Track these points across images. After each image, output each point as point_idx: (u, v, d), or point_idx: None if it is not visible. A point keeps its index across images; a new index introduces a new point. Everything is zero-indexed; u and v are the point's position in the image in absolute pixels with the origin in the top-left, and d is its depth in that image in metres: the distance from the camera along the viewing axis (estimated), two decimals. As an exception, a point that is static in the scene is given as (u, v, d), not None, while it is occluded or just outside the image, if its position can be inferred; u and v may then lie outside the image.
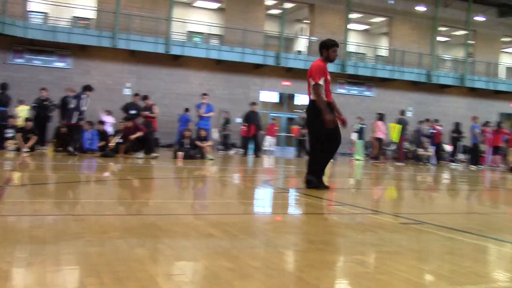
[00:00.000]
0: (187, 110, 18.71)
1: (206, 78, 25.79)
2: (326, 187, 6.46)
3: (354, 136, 20.18)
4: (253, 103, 18.05)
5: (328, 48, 6.58)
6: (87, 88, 13.04)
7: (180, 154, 13.24)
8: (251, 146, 18.26)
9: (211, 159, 13.65)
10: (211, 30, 27.70)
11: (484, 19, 30.95)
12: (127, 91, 23.31)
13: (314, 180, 6.39)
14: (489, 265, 2.82)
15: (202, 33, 28.78)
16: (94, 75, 23.65)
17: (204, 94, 16.03)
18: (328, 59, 6.57)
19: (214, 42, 27.65)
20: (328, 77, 6.47)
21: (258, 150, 17.94)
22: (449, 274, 2.49)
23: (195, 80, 25.55)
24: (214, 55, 24.84)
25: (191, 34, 28.52)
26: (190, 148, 13.69)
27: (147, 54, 23.89)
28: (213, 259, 2.52)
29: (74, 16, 25.94)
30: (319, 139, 6.44)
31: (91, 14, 25.15)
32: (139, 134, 13.12)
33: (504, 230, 4.20)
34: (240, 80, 26.52)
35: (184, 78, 25.38)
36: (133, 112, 14.15)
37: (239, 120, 24.67)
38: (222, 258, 2.51)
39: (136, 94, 15.25)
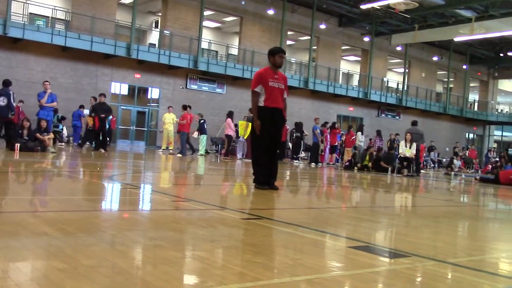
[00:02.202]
0: (81, 106, 21.15)
1: (49, 65, 24.13)
2: (271, 188, 6.70)
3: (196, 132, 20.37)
4: (102, 94, 17.33)
5: (274, 55, 6.91)
6: (9, 83, 13.52)
7: (17, 145, 12.23)
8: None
9: (53, 152, 12.84)
10: (56, 14, 25.95)
11: (325, 26, 33.33)
12: (-44, 74, 20.89)
13: (255, 180, 6.85)
14: (318, 257, 3.04)
15: (46, 16, 26.81)
16: None
17: (46, 82, 14.96)
18: (275, 65, 6.90)
19: (60, 27, 25.93)
20: (273, 83, 6.76)
21: (104, 144, 17.26)
22: (281, 266, 2.64)
23: (37, 66, 23.77)
24: (59, 41, 23.32)
25: (33, 16, 26.41)
26: (29, 140, 12.72)
27: (-19, 34, 21.63)
28: (44, 260, 2.37)
29: None
30: (253, 142, 7.07)
31: None
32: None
33: (336, 224, 4.57)
34: (88, 70, 25.28)
35: (25, 64, 23.47)
36: None
37: (86, 111, 23.58)
38: (54, 258, 2.37)
39: None
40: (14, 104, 13.60)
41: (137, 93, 28.02)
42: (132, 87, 27.60)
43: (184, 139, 19.12)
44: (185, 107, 19.34)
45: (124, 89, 27.44)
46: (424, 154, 25.68)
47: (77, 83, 24.89)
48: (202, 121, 20.28)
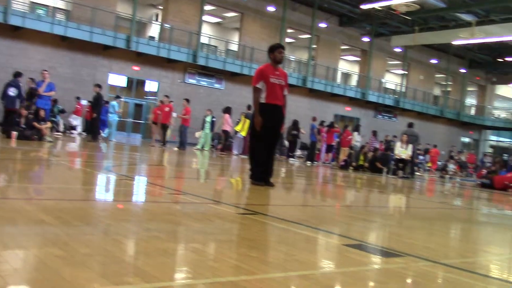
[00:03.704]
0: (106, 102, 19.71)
1: (48, 54, 24.04)
2: (267, 184, 6.69)
3: (207, 127, 20.26)
4: (96, 85, 17.24)
5: (273, 51, 6.93)
6: (20, 75, 14.17)
7: (14, 134, 12.21)
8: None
9: (50, 141, 12.83)
10: (57, 4, 25.84)
11: (326, 25, 33.32)
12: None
13: (252, 175, 6.81)
14: (312, 253, 3.07)
15: (46, 5, 26.72)
16: None
17: (45, 71, 14.92)
18: (275, 60, 6.91)
19: (60, 17, 25.86)
20: (274, 79, 6.76)
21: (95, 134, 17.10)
22: (275, 261, 2.67)
23: (37, 55, 23.69)
24: (59, 30, 23.23)
25: (34, 5, 26.32)
26: (26, 128, 12.71)
27: (-20, 21, 21.53)
28: (41, 247, 2.39)
29: None
30: (252, 138, 7.05)
31: None
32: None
33: (330, 222, 4.60)
34: (87, 60, 25.20)
35: (24, 52, 23.38)
36: None
37: (84, 102, 23.56)
38: (52, 245, 2.39)
39: None
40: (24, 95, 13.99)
41: (135, 86, 27.97)
42: (130, 79, 27.54)
43: (185, 132, 19.10)
44: (188, 101, 19.31)
45: (122, 81, 27.38)
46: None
47: (76, 74, 24.82)
48: (214, 118, 20.34)
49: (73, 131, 21.94)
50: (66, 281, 1.90)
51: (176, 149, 18.13)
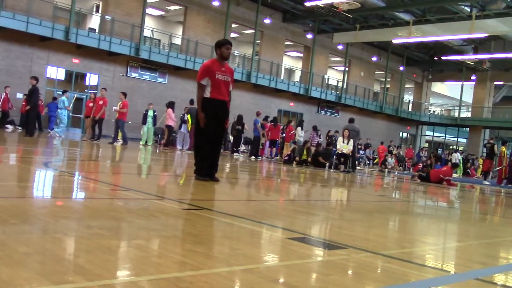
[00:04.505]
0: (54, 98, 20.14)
1: (-19, 45, 22.91)
2: (212, 179, 6.71)
3: (149, 122, 19.90)
4: (33, 77, 16.58)
5: (220, 46, 6.87)
6: None
7: None
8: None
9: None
10: (-10, -8, 24.60)
11: (270, 21, 33.54)
12: None
13: (196, 171, 6.82)
14: (257, 247, 3.10)
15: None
16: None
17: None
18: (222, 56, 6.89)
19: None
20: (219, 76, 6.73)
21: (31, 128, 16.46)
22: (220, 255, 2.67)
23: (-33, 45, 22.53)
24: (-8, 20, 22.17)
25: (-36, -8, 24.93)
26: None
27: None
28: (-24, 247, 2.28)
29: None
30: (196, 134, 7.07)
31: None
32: None
33: (274, 216, 4.65)
34: (23, 52, 24.20)
35: (-47, 42, 22.16)
36: None
37: (20, 95, 22.66)
38: (-13, 245, 2.29)
39: None
40: None
41: (75, 79, 27.12)
42: (69, 72, 26.67)
43: (123, 127, 18.69)
44: (125, 95, 18.89)
45: (60, 74, 26.48)
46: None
47: (10, 65, 23.78)
48: (156, 113, 20.06)
49: (8, 126, 21.03)
50: (3, 281, 1.83)
51: (116, 144, 17.74)
